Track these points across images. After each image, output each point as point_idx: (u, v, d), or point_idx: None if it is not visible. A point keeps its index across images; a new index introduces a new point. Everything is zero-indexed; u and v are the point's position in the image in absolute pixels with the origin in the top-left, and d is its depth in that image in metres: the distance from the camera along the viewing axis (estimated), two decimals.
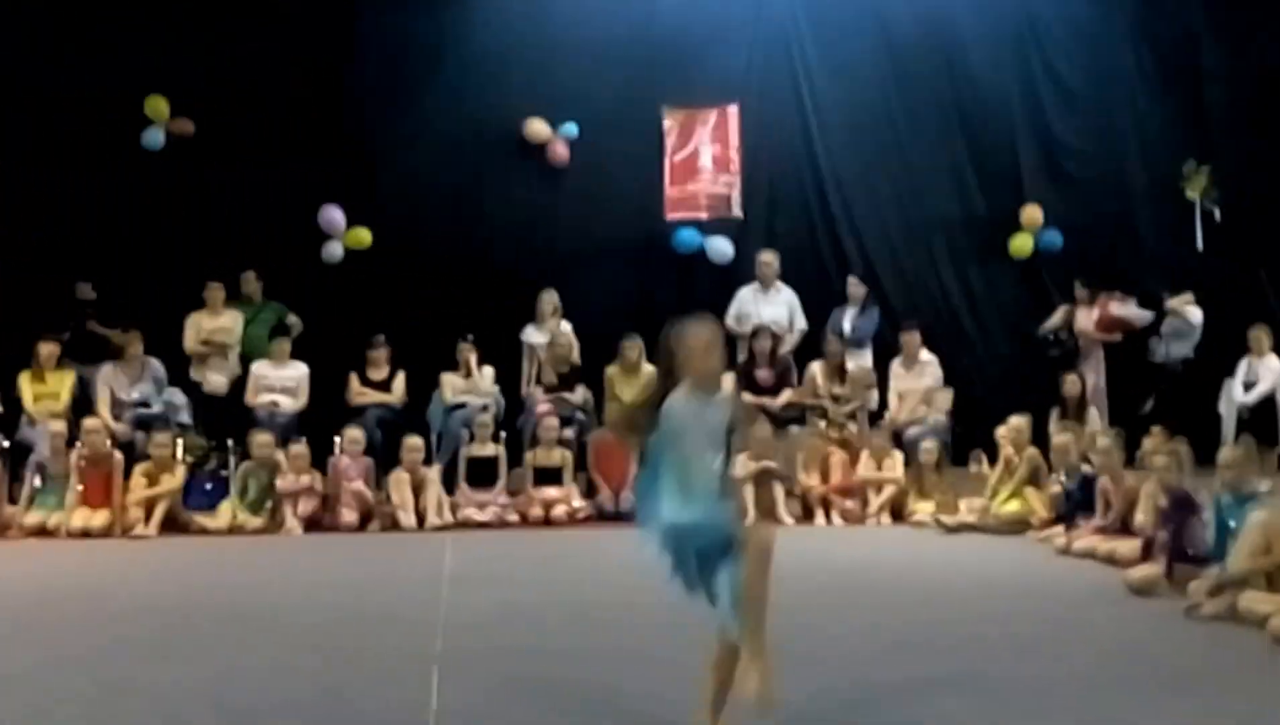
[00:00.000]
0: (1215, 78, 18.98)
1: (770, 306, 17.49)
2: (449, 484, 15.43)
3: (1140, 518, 11.91)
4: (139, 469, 14.91)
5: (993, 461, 15.34)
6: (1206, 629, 9.32)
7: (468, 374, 16.55)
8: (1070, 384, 16.51)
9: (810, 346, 17.39)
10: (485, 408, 16.13)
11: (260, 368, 16.55)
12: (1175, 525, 10.93)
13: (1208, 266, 18.33)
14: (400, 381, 16.58)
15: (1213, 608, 9.56)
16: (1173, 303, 17.40)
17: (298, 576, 12.10)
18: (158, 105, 17.55)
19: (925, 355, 17.09)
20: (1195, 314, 17.49)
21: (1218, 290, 17.80)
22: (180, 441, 15.47)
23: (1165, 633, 9.24)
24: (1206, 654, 8.64)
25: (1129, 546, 11.74)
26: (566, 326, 17.16)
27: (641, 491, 6.41)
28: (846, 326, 17.46)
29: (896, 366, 17.12)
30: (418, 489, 15.01)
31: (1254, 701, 7.41)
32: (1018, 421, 15.14)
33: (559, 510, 15.22)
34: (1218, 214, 18.55)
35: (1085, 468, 13.84)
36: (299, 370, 16.55)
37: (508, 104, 18.06)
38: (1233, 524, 10.23)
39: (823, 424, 15.94)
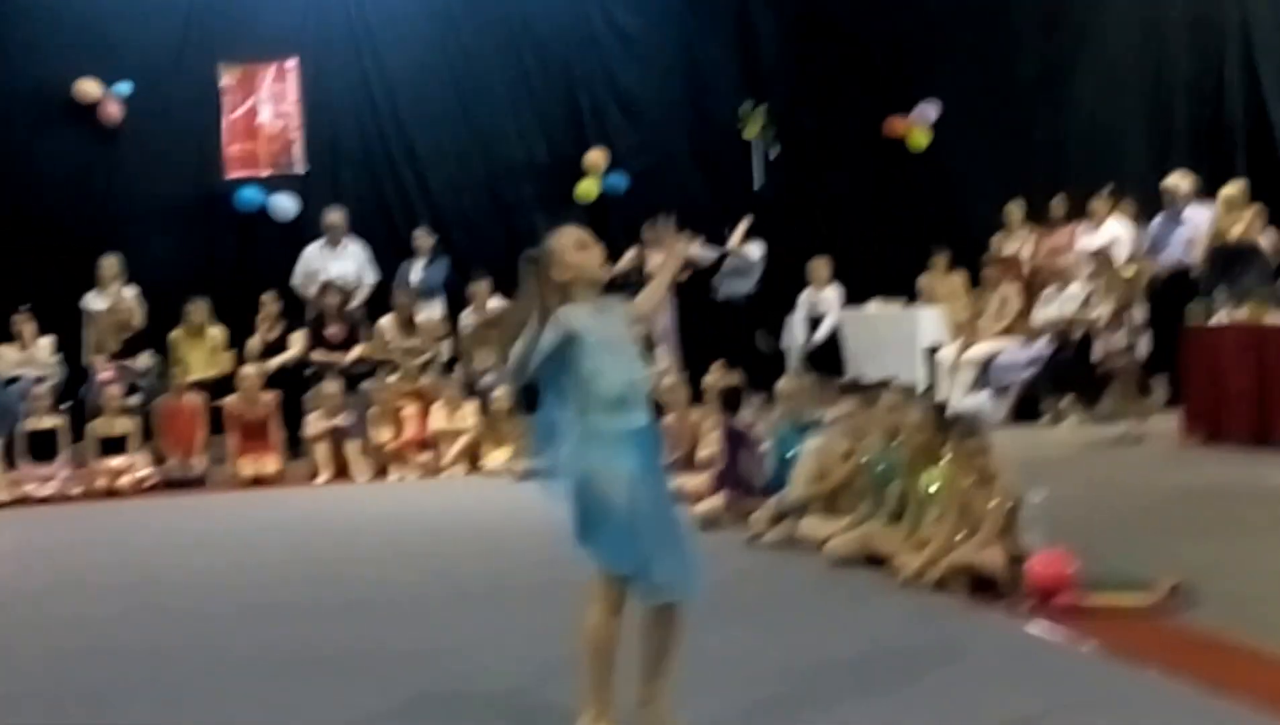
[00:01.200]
0: (764, 18, 19.57)
1: (338, 262, 17.28)
2: (9, 461, 14.84)
3: (704, 452, 12.18)
4: None
5: None
6: (769, 556, 9.60)
7: (24, 345, 15.98)
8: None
9: (381, 301, 17.29)
10: (42, 379, 15.60)
11: None
12: (731, 457, 11.17)
13: (766, 204, 18.93)
14: None
15: (774, 535, 9.84)
16: (733, 241, 17.91)
17: None
18: None
19: (495, 303, 17.01)
20: (754, 250, 18.05)
21: (777, 227, 18.39)
22: None
23: (729, 562, 9.27)
24: (768, 580, 8.90)
25: (696, 481, 11.83)
26: (129, 291, 16.67)
27: (542, 436, 5.54)
28: (414, 278, 17.44)
29: (468, 316, 17.12)
30: None
31: (813, 619, 7.76)
32: None
33: (125, 480, 14.76)
34: (773, 152, 19.23)
35: None
36: None
37: (57, 62, 17.36)
38: (791, 453, 10.43)
39: (394, 378, 15.82)
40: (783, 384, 11.78)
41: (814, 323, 17.69)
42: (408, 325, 16.74)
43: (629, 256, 17.70)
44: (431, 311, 17.28)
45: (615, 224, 17.87)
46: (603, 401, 5.39)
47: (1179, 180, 16.02)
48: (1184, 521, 9.80)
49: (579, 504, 5.41)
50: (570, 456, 5.40)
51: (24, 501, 14.40)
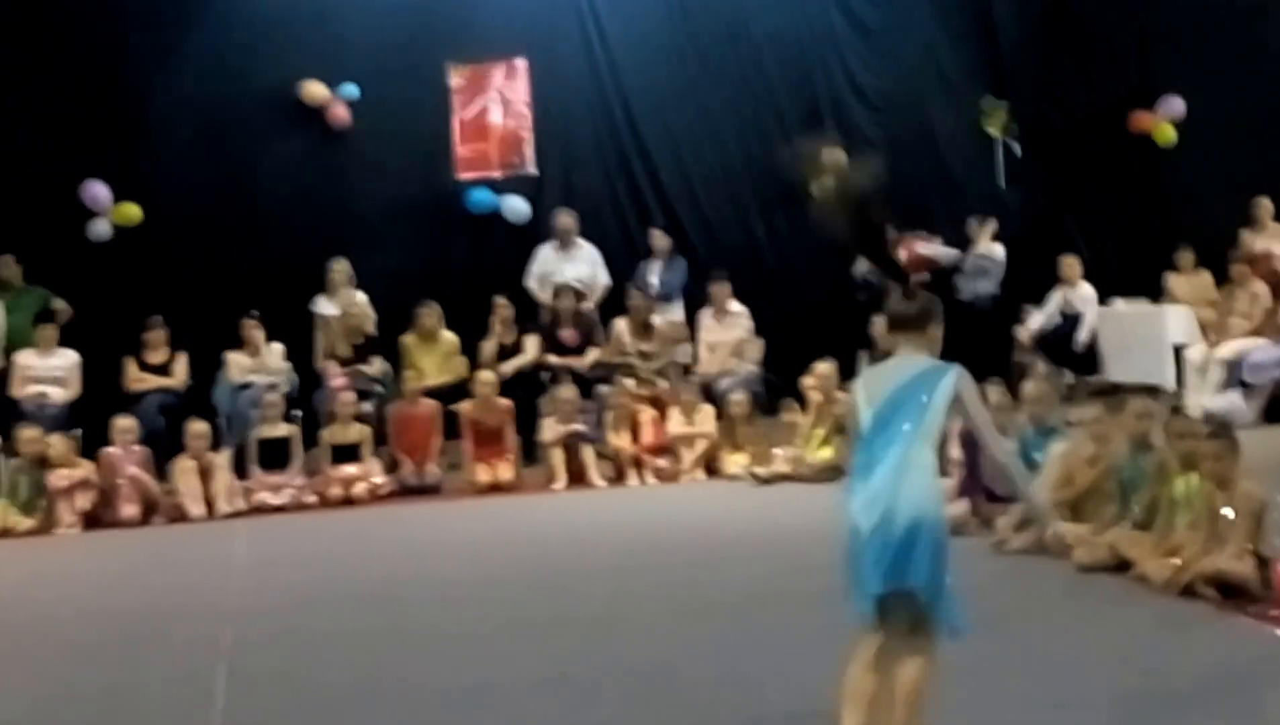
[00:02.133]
0: (1006, 10, 19.30)
1: (572, 264, 17.18)
2: (241, 469, 14.84)
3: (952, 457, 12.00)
4: None
5: (804, 410, 15.24)
6: (1015, 563, 9.60)
7: (254, 352, 16.05)
8: (879, 326, 16.43)
9: (615, 303, 17.15)
10: (274, 386, 15.64)
11: (24, 357, 15.80)
12: (972, 462, 10.96)
13: (1011, 203, 18.77)
14: (182, 364, 15.96)
15: (1020, 542, 9.84)
16: (977, 240, 17.70)
17: (75, 576, 11.68)
18: None
19: (735, 306, 16.92)
20: (998, 251, 17.79)
21: (1021, 227, 18.23)
22: None
23: (975, 569, 9.03)
24: (1014, 588, 8.87)
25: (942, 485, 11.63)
26: (360, 296, 16.68)
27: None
28: (653, 280, 17.28)
29: (706, 318, 16.98)
30: (206, 476, 14.41)
31: (1063, 626, 7.84)
32: (824, 368, 15.08)
33: (359, 488, 14.73)
34: (1018, 149, 18.98)
35: None
36: (68, 358, 15.86)
37: (281, 66, 17.46)
38: (1037, 457, 10.42)
39: (631, 382, 15.71)
40: (1028, 387, 11.78)
41: (1066, 319, 17.40)
42: (643, 328, 16.57)
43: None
44: (672, 314, 17.13)
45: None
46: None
47: None
48: None
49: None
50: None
51: (258, 510, 14.40)
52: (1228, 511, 8.06)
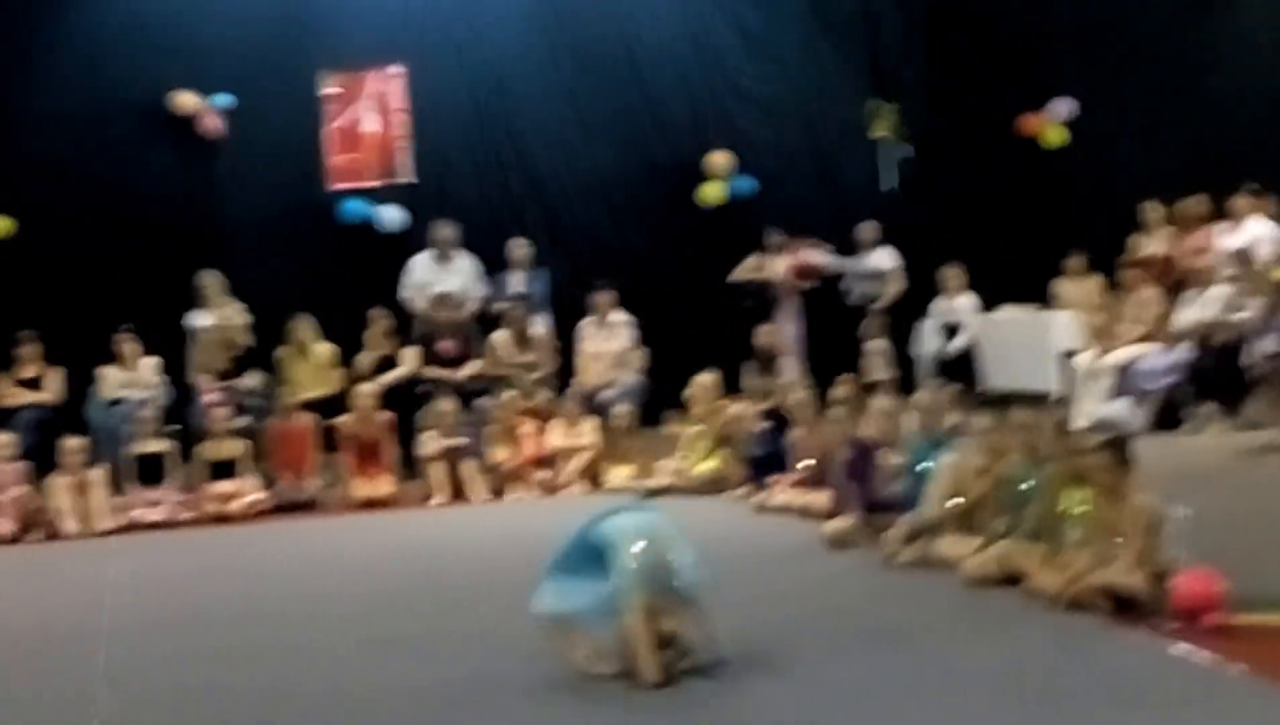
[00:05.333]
0: (890, 13, 19.85)
1: (448, 276, 17.50)
2: (116, 485, 15.22)
3: (831, 467, 12.27)
4: None
5: (687, 421, 15.61)
6: (904, 576, 9.73)
7: (128, 366, 16.40)
8: (764, 335, 17.03)
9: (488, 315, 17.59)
10: (148, 401, 16.00)
11: None
12: (860, 474, 11.34)
13: (898, 206, 19.25)
14: (55, 379, 16.31)
15: (909, 554, 9.98)
16: (863, 246, 18.33)
17: None
18: None
19: (618, 316, 17.30)
20: (886, 259, 18.38)
21: (906, 230, 18.64)
22: None
23: (863, 583, 9.57)
24: (904, 602, 9.00)
25: (825, 498, 12.09)
26: (235, 308, 16.99)
27: None
28: (522, 289, 17.63)
29: (588, 327, 17.31)
30: (81, 493, 14.82)
31: (952, 641, 7.90)
32: (706, 378, 15.56)
33: (236, 504, 15.14)
34: (903, 153, 19.52)
35: (769, 424, 14.44)
36: None
37: (152, 75, 17.83)
38: (927, 468, 10.54)
39: (510, 394, 16.08)
40: (918, 396, 12.08)
41: (948, 330, 17.80)
42: (522, 340, 16.98)
43: (750, 263, 17.95)
44: (538, 325, 17.43)
45: (739, 229, 18.26)
46: None
47: None
48: None
49: None
50: None
51: (133, 527, 14.75)
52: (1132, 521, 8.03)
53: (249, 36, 18.13)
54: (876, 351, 17.65)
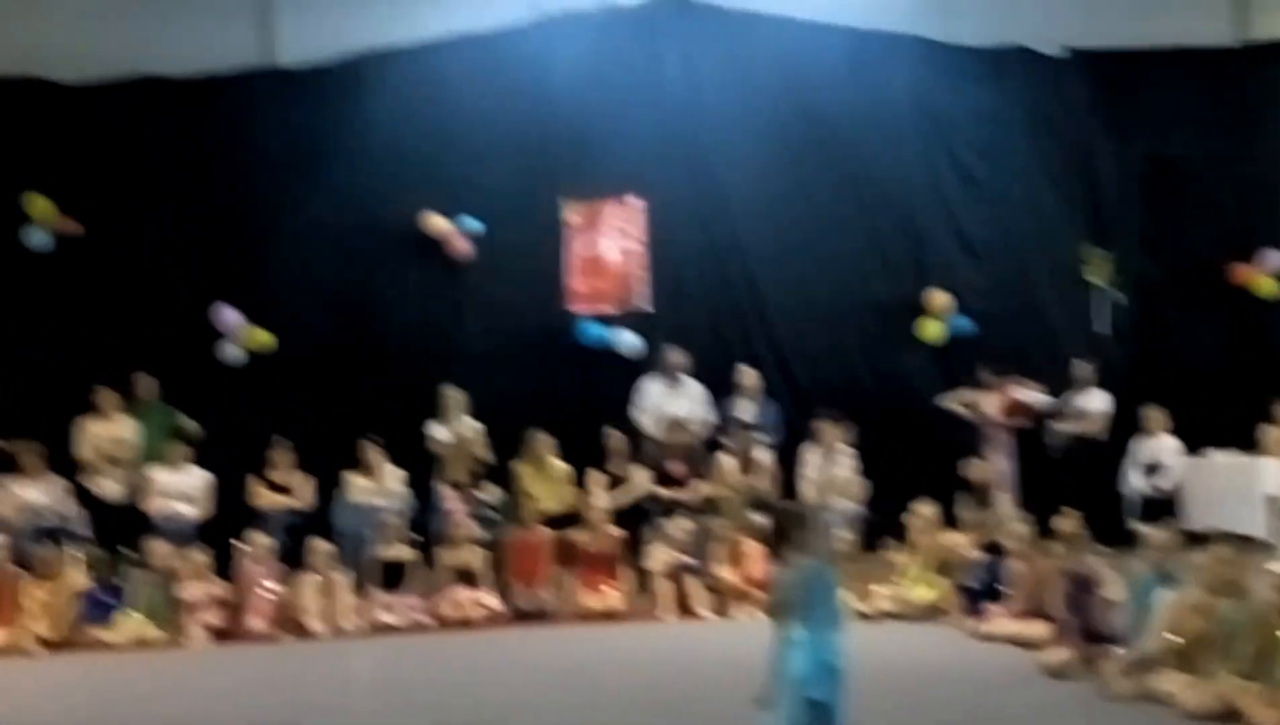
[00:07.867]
0: (1108, 162, 20.26)
1: (678, 400, 18.12)
2: (360, 587, 16.02)
3: (1050, 599, 12.63)
4: (33, 584, 15.47)
5: (904, 548, 16.16)
6: (1122, 709, 9.98)
7: (372, 473, 17.16)
8: (976, 469, 17.48)
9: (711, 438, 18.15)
10: (391, 508, 16.76)
11: (156, 474, 16.99)
12: (1078, 606, 11.71)
13: (1110, 350, 19.66)
14: (305, 485, 17.10)
15: (1128, 687, 10.29)
16: (1077, 386, 18.73)
17: (205, 690, 12.66)
18: (42, 205, 17.90)
19: (841, 445, 17.74)
20: (1095, 401, 18.73)
21: (1119, 372, 19.16)
22: (76, 554, 15.97)
23: (1082, 714, 9.89)
24: None
25: (1042, 629, 12.48)
26: (473, 423, 17.70)
27: None
28: (750, 417, 18.19)
29: (811, 454, 17.75)
30: (327, 594, 15.68)
31: None
32: (925, 508, 16.12)
33: (473, 611, 15.85)
34: (1123, 298, 19.91)
35: (985, 555, 14.97)
36: (199, 477, 17.04)
37: (403, 198, 18.66)
38: (1150, 604, 10.90)
39: (736, 515, 16.65)
40: (1154, 534, 12.26)
41: (1148, 470, 18.12)
42: (747, 464, 17.57)
43: (963, 395, 18.46)
44: (762, 452, 17.90)
45: (958, 366, 18.82)
46: None
47: None
48: None
49: None
50: None
51: (376, 629, 15.58)
52: None
53: (496, 163, 18.90)
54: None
